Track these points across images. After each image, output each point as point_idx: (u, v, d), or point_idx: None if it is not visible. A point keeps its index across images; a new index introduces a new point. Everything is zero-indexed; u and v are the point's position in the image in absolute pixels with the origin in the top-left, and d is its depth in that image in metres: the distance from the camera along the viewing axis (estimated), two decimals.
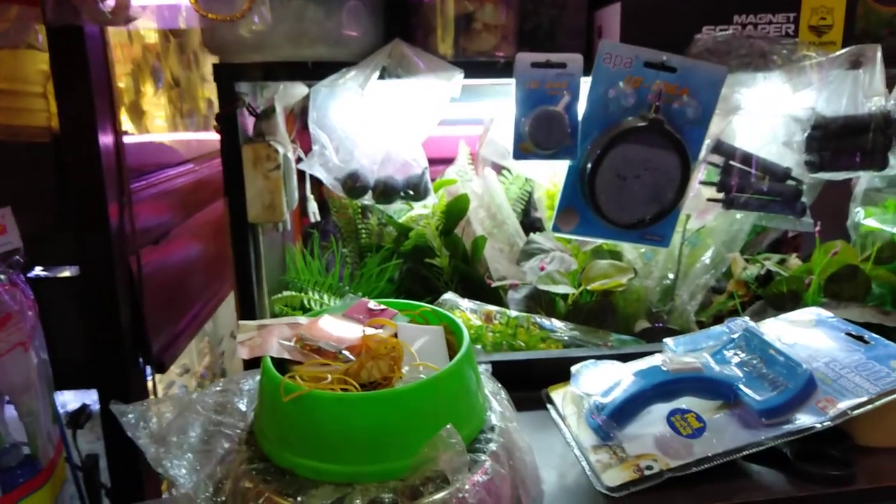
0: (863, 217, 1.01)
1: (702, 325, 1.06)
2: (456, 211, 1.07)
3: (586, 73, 0.82)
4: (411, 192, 0.82)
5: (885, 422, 0.73)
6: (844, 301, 0.98)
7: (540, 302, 0.97)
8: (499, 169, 1.20)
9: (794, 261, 1.08)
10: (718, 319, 1.10)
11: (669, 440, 0.70)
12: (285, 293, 0.93)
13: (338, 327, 0.70)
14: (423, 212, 1.06)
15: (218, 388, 0.72)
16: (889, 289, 1.00)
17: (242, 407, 0.69)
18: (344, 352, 0.66)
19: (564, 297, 0.99)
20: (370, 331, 0.68)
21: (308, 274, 1.01)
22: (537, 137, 0.81)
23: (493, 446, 0.62)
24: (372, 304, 0.74)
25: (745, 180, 0.85)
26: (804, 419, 0.70)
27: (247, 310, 0.85)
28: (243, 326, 0.69)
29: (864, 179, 1.00)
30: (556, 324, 0.93)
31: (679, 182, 0.85)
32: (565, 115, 0.81)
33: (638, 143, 0.83)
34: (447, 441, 0.55)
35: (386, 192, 0.81)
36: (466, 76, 0.79)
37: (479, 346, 0.85)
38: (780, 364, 0.74)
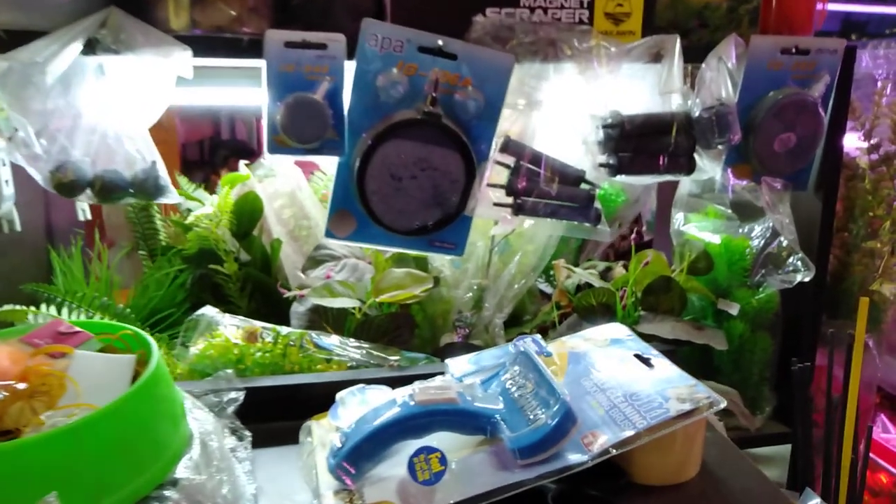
0: (683, 223, 0.94)
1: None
2: (248, 210, 0.95)
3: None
4: (139, 190, 0.69)
5: (661, 457, 0.66)
6: (661, 314, 0.91)
7: (326, 316, 0.86)
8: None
9: (619, 269, 1.01)
10: (543, 330, 1.02)
11: (408, 486, 0.60)
12: (6, 307, 0.78)
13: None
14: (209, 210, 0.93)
15: None
16: (709, 301, 0.94)
17: None
18: None
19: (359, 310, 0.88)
20: (38, 361, 0.56)
21: (66, 284, 0.87)
22: (291, 129, 0.70)
23: None
24: (65, 325, 0.61)
25: (533, 183, 0.76)
26: (568, 457, 0.62)
27: None
28: None
29: (684, 184, 0.93)
30: (336, 341, 0.82)
31: (464, 184, 0.76)
32: (325, 103, 0.70)
33: (413, 140, 0.73)
34: None
35: (106, 189, 0.68)
36: (201, 54, 0.67)
37: (231, 371, 0.74)
38: (544, 393, 0.65)
